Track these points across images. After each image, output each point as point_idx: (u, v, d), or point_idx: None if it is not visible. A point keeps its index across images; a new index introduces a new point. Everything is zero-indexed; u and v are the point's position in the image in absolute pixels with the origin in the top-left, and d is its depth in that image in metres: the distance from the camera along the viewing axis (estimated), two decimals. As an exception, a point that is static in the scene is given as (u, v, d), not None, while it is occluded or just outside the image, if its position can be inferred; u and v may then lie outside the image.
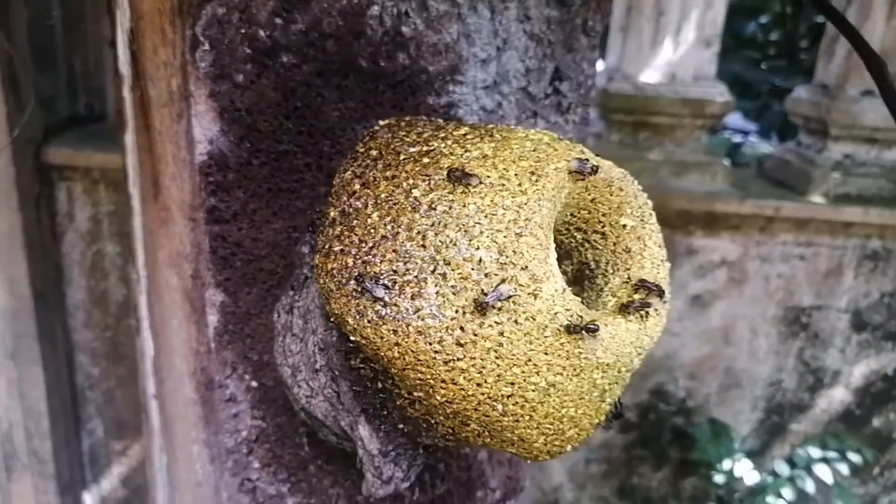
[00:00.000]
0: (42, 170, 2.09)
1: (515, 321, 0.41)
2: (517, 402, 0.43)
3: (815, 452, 1.76)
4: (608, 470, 1.89)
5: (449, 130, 0.48)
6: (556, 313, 0.42)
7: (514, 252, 0.41)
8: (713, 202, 2.02)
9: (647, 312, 0.47)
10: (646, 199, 0.51)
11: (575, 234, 0.51)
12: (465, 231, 0.42)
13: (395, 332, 0.42)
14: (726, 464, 1.73)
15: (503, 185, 0.43)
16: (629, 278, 0.49)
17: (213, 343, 0.67)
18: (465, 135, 0.47)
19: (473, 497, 0.79)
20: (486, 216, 0.42)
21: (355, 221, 0.45)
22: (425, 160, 0.45)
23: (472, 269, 0.41)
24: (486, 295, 0.41)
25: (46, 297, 2.02)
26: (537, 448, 0.47)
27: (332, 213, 0.47)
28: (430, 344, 0.42)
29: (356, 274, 0.43)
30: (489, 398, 0.43)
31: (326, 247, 0.46)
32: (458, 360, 0.42)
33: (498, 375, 0.42)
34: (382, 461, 0.52)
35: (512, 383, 0.43)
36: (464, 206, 0.42)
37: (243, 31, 0.57)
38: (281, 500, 0.72)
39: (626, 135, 2.19)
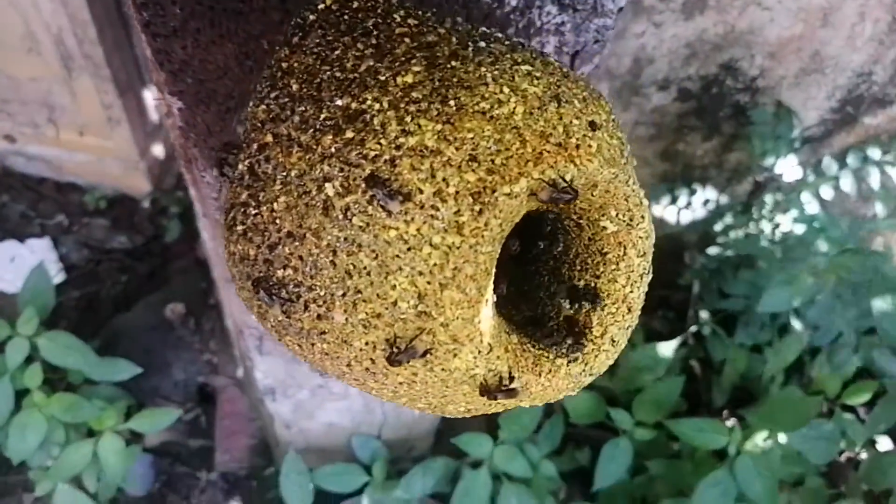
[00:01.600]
0: None
1: (431, 369, 0.36)
2: (429, 406, 0.40)
3: (874, 153, 1.66)
4: (655, 134, 1.84)
5: (395, 68, 0.35)
6: (475, 374, 0.36)
7: (436, 304, 0.34)
8: None
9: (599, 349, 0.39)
10: (640, 198, 0.39)
11: (546, 213, 0.41)
12: (382, 263, 0.34)
13: (298, 346, 0.38)
14: (772, 157, 1.66)
15: (435, 210, 0.33)
16: (594, 287, 0.40)
17: (179, 142, 0.62)
18: (411, 88, 0.34)
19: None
20: (408, 249, 0.33)
21: (261, 195, 0.36)
22: (348, 133, 0.34)
23: (386, 308, 0.34)
24: (398, 347, 0.35)
25: None
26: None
27: (241, 164, 0.38)
28: (337, 366, 0.37)
29: (255, 277, 0.36)
30: (400, 399, 0.40)
31: (231, 215, 0.38)
32: (368, 382, 0.38)
33: (411, 398, 0.38)
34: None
35: (429, 403, 0.39)
36: (383, 227, 0.33)
37: None
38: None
39: None
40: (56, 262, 1.86)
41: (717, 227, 1.74)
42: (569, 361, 0.41)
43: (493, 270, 0.35)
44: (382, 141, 0.33)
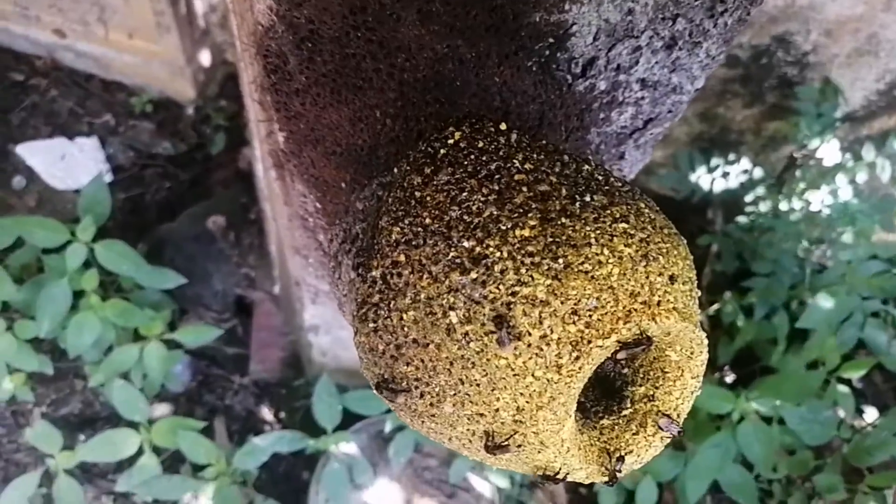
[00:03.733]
0: None
1: (518, 456, 0.45)
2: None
3: (913, 142, 1.69)
4: (698, 96, 1.86)
5: (514, 219, 0.41)
6: (553, 465, 0.45)
7: (531, 418, 0.42)
8: None
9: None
10: (703, 339, 0.46)
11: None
12: (491, 380, 0.42)
13: (410, 420, 0.46)
14: (812, 134, 1.68)
15: (540, 351, 0.40)
16: (654, 397, 0.48)
17: (277, 155, 0.69)
18: (527, 241, 0.41)
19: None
20: (514, 375, 0.41)
21: (392, 303, 0.44)
22: (473, 274, 0.41)
23: (488, 413, 0.43)
24: (494, 441, 0.43)
25: None
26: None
27: (375, 270, 0.45)
28: (440, 438, 0.46)
29: (381, 376, 0.44)
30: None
31: (365, 310, 0.45)
32: (463, 451, 0.47)
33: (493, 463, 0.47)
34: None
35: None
36: (496, 356, 0.41)
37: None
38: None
39: None
40: (103, 163, 1.93)
41: (748, 197, 1.79)
42: (625, 453, 0.49)
43: (577, 395, 0.43)
44: (501, 287, 0.41)
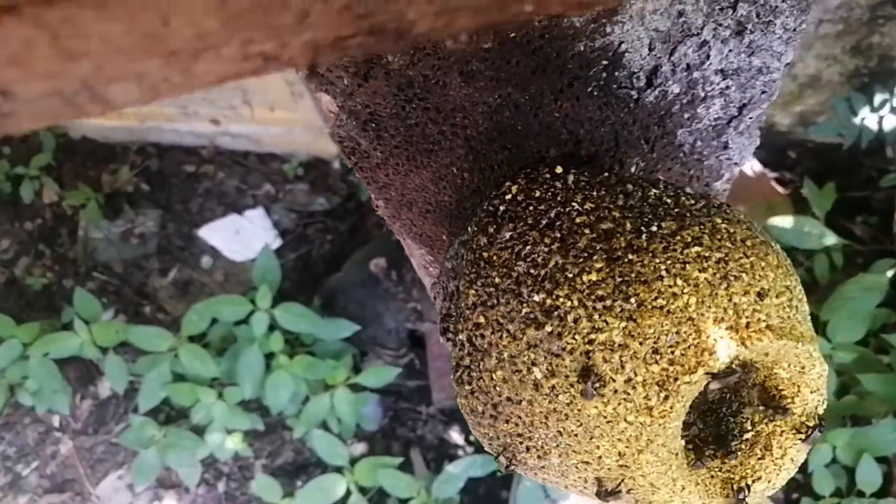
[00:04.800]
0: None
1: (634, 499, 0.44)
2: None
3: None
4: (844, 29, 1.68)
5: (579, 264, 0.41)
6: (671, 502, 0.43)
7: (634, 462, 0.41)
8: None
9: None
10: (811, 352, 0.42)
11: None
12: (587, 430, 0.41)
13: (526, 472, 0.47)
14: None
15: (627, 395, 0.40)
16: (773, 416, 0.45)
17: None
18: (595, 285, 0.40)
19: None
20: (607, 422, 0.41)
21: (481, 364, 0.45)
22: (547, 328, 0.41)
23: (592, 461, 0.42)
24: (605, 487, 0.43)
25: None
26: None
27: (461, 333, 0.46)
28: (556, 487, 0.46)
29: (497, 444, 0.45)
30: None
31: (459, 373, 0.47)
32: (581, 496, 0.46)
33: None
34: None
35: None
36: (586, 407, 0.41)
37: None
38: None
39: None
40: (271, 229, 2.11)
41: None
42: (753, 480, 0.47)
43: (680, 430, 0.42)
44: (577, 336, 0.40)
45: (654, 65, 0.53)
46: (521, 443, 0.45)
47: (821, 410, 0.47)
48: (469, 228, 0.52)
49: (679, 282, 0.40)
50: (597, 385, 0.40)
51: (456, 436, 1.85)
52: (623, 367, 0.40)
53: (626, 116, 0.55)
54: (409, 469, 1.78)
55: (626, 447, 0.41)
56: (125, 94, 0.21)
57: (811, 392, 0.45)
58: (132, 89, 0.21)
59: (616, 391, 0.40)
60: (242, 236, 2.10)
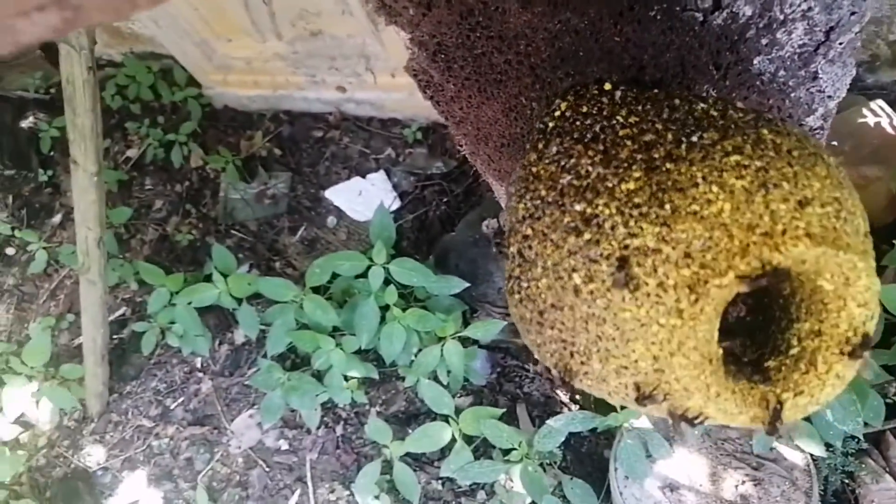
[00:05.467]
0: None
1: (671, 404, 0.45)
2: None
3: None
4: None
5: (619, 174, 0.42)
6: (706, 412, 0.44)
7: (668, 365, 0.42)
8: None
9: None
10: (855, 263, 0.41)
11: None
12: (623, 333, 0.43)
13: (576, 383, 0.49)
14: None
15: (659, 297, 0.41)
16: (820, 332, 0.44)
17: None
18: (633, 193, 0.42)
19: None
20: (641, 326, 0.42)
21: (528, 274, 0.47)
22: (586, 235, 0.43)
23: (630, 365, 0.44)
24: (643, 392, 0.44)
25: None
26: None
27: (512, 246, 0.49)
28: (599, 393, 0.48)
29: (551, 357, 0.48)
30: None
31: (510, 284, 0.50)
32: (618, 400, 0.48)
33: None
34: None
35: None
36: (620, 309, 0.42)
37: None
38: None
39: None
40: (391, 192, 2.20)
41: None
42: (795, 395, 0.46)
43: (715, 336, 0.42)
44: (613, 242, 0.42)
45: (721, -14, 0.52)
46: (565, 348, 0.47)
47: (870, 327, 0.45)
48: (526, 148, 0.54)
49: (714, 188, 0.40)
50: (632, 286, 0.42)
51: (562, 394, 1.87)
52: (656, 270, 0.41)
53: (692, 41, 0.55)
54: (514, 423, 1.82)
55: (660, 350, 0.43)
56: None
57: (858, 306, 0.44)
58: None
59: (649, 295, 0.41)
60: (364, 197, 2.20)
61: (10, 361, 2.02)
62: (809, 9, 0.57)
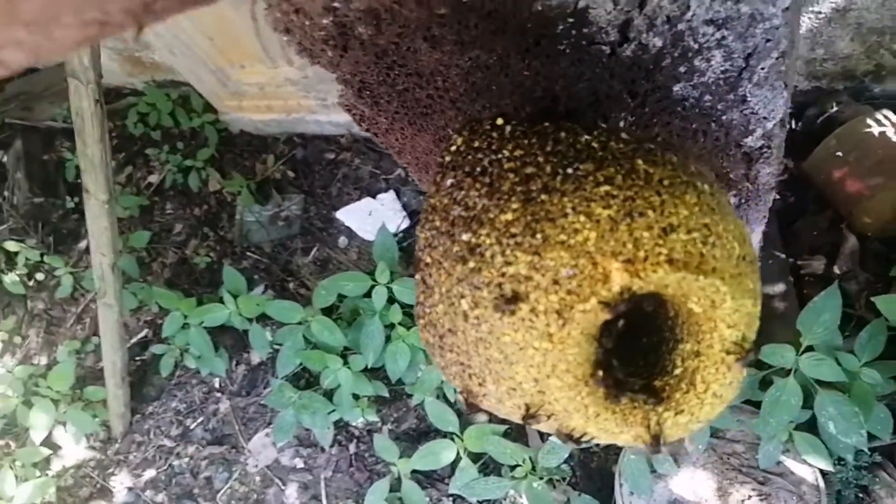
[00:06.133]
0: None
1: (554, 424, 0.46)
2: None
3: None
4: None
5: (500, 205, 0.45)
6: (587, 431, 0.45)
7: (546, 387, 0.44)
8: None
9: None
10: (717, 286, 0.42)
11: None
12: (505, 356, 0.45)
13: (480, 404, 0.51)
14: None
15: (532, 322, 0.43)
16: (699, 352, 0.45)
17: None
18: (510, 224, 0.44)
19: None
20: (520, 349, 0.44)
21: (429, 301, 0.50)
22: (471, 263, 0.45)
23: (516, 387, 0.46)
24: (530, 413, 0.46)
25: None
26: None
27: (417, 274, 0.51)
28: (504, 414, 0.50)
29: (456, 380, 0.50)
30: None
31: (417, 309, 0.52)
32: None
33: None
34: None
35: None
36: (502, 335, 0.44)
37: (307, 21, 0.53)
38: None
39: None
40: (401, 211, 2.23)
41: None
42: (676, 413, 0.47)
43: (590, 358, 0.44)
44: (493, 270, 0.44)
45: (625, 19, 0.54)
46: (464, 371, 0.50)
47: (746, 345, 0.46)
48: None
49: (582, 218, 0.42)
50: (510, 311, 0.44)
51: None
52: (528, 296, 0.43)
53: (602, 72, 0.57)
54: (523, 439, 1.82)
55: (538, 373, 0.45)
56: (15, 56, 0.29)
57: (728, 327, 0.45)
58: (19, 52, 0.29)
59: (523, 319, 0.44)
60: (374, 217, 2.24)
61: (38, 384, 2.10)
62: (723, 38, 0.58)
